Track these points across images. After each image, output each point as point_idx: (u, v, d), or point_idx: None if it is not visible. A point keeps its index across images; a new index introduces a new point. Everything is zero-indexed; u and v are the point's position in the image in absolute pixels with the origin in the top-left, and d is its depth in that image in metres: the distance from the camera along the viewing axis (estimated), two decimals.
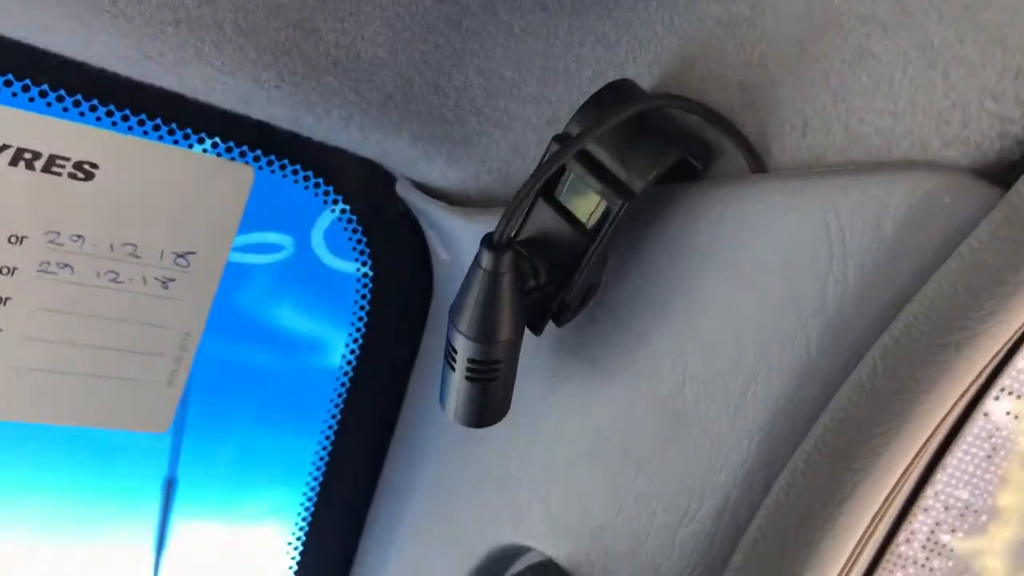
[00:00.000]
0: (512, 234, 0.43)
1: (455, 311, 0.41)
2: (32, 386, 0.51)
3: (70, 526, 0.78)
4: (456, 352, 0.42)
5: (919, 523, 0.62)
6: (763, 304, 0.39)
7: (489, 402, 0.44)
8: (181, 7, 0.40)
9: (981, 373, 0.37)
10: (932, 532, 0.62)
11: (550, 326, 0.45)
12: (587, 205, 0.42)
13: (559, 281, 0.43)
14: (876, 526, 0.43)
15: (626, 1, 0.43)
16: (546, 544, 0.49)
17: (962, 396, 0.38)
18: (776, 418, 0.39)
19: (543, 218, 0.43)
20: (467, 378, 0.42)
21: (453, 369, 0.43)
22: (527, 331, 0.45)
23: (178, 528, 0.81)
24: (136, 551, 0.80)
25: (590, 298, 0.45)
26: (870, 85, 0.37)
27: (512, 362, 0.43)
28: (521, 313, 0.41)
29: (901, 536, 0.60)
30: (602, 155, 0.41)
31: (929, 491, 0.62)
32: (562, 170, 0.42)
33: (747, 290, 0.40)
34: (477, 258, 0.39)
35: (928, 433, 0.39)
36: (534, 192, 0.41)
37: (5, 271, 0.48)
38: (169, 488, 0.81)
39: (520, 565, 0.54)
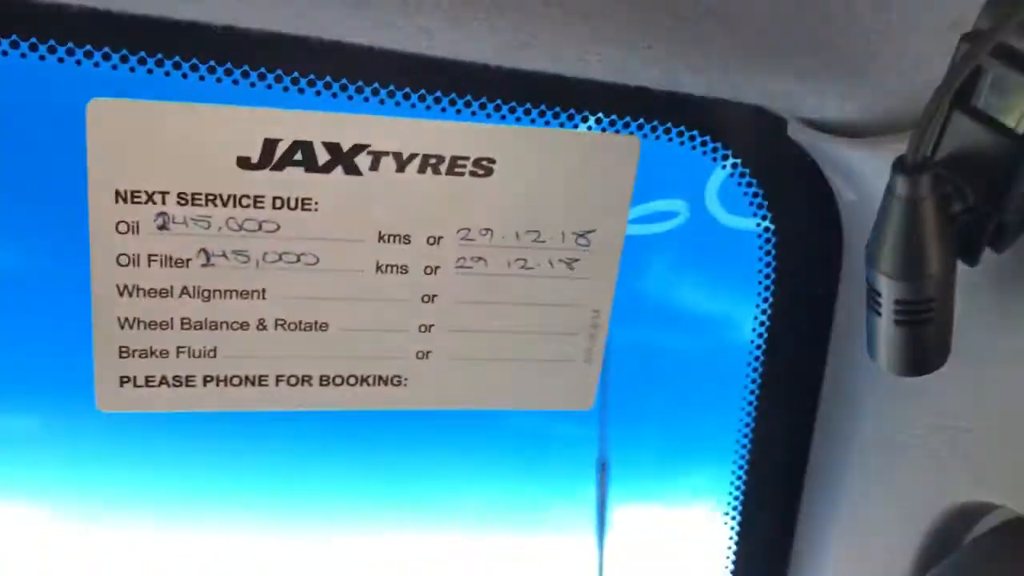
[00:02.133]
0: (928, 153, 0.37)
1: (872, 250, 0.37)
2: (464, 374, 0.55)
3: (511, 517, 0.82)
4: (880, 295, 0.38)
5: None
6: None
7: (926, 346, 0.39)
8: None
9: None
10: None
11: (991, 255, 0.39)
12: (1014, 107, 0.35)
13: (991, 200, 0.37)
14: None
15: None
16: (1017, 500, 0.43)
17: None
18: None
19: (962, 131, 0.37)
20: (896, 322, 0.38)
21: (879, 315, 0.38)
22: (962, 263, 0.39)
23: (615, 512, 0.83)
24: (579, 537, 0.83)
25: None
26: None
27: (947, 299, 0.38)
28: (950, 242, 0.36)
29: None
30: None
31: None
32: (978, 73, 0.36)
33: None
34: (890, 186, 0.35)
35: None
36: (946, 102, 0.35)
37: (428, 270, 0.51)
38: (603, 472, 0.84)
39: (985, 525, 0.48)
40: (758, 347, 0.59)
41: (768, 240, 0.56)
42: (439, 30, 0.42)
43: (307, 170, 0.47)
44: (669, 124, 0.51)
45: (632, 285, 0.55)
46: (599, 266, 0.53)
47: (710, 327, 0.65)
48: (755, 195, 0.54)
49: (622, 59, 0.44)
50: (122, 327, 0.49)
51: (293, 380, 0.53)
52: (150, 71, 0.45)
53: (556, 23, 0.42)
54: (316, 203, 0.48)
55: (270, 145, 0.46)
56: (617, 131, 0.51)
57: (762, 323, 0.58)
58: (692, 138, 0.52)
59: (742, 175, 0.54)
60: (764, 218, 0.55)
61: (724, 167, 0.53)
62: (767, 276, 0.57)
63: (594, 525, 0.84)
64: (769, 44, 0.44)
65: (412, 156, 0.48)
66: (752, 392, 0.60)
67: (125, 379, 0.50)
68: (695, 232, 0.59)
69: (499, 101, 0.49)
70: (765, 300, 0.57)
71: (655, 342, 0.66)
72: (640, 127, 0.51)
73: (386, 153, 0.48)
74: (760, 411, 0.61)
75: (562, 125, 0.50)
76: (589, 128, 0.50)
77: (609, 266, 0.53)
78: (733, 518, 0.64)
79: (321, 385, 0.53)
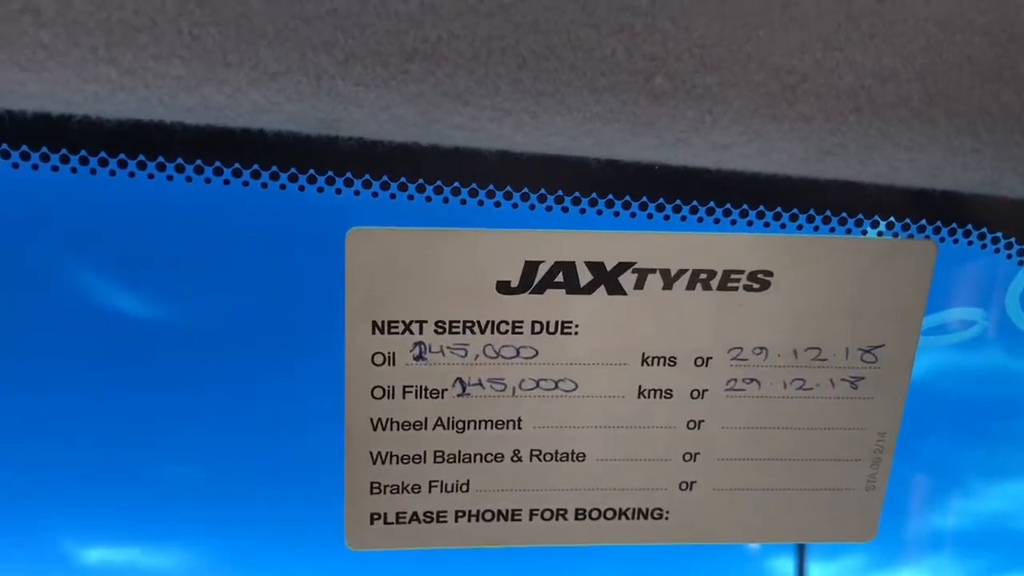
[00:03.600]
0: None
1: None
2: (730, 507, 0.50)
3: None
4: None
5: None
6: None
7: None
8: (862, 91, 0.36)
9: None
10: None
11: None
12: None
13: None
14: None
15: None
16: None
17: None
18: None
19: None
20: None
21: None
22: None
23: None
24: None
25: None
26: None
27: None
28: None
29: None
30: None
31: None
32: None
33: None
34: None
35: None
36: None
37: (695, 394, 0.47)
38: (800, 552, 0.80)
39: None
40: None
41: None
42: (735, 144, 0.38)
43: (568, 292, 0.45)
44: (969, 226, 0.45)
45: (921, 402, 0.49)
46: (887, 384, 0.48)
47: (1006, 444, 0.58)
48: None
49: (939, 164, 0.39)
50: (374, 462, 0.47)
51: (548, 514, 0.49)
52: (411, 197, 0.43)
53: (868, 129, 0.37)
54: (577, 326, 0.45)
55: (531, 267, 0.44)
56: (911, 235, 0.45)
57: None
58: (995, 240, 0.46)
59: None
60: None
61: None
62: None
63: None
64: None
65: (681, 272, 0.45)
66: None
67: (376, 516, 0.48)
68: (994, 342, 0.52)
69: (779, 209, 0.44)
70: None
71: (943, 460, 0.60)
72: (936, 230, 0.45)
73: (652, 270, 0.45)
74: None
75: (848, 232, 0.45)
76: (879, 234, 0.45)
77: (898, 384, 0.48)
78: None
79: (576, 519, 0.50)
